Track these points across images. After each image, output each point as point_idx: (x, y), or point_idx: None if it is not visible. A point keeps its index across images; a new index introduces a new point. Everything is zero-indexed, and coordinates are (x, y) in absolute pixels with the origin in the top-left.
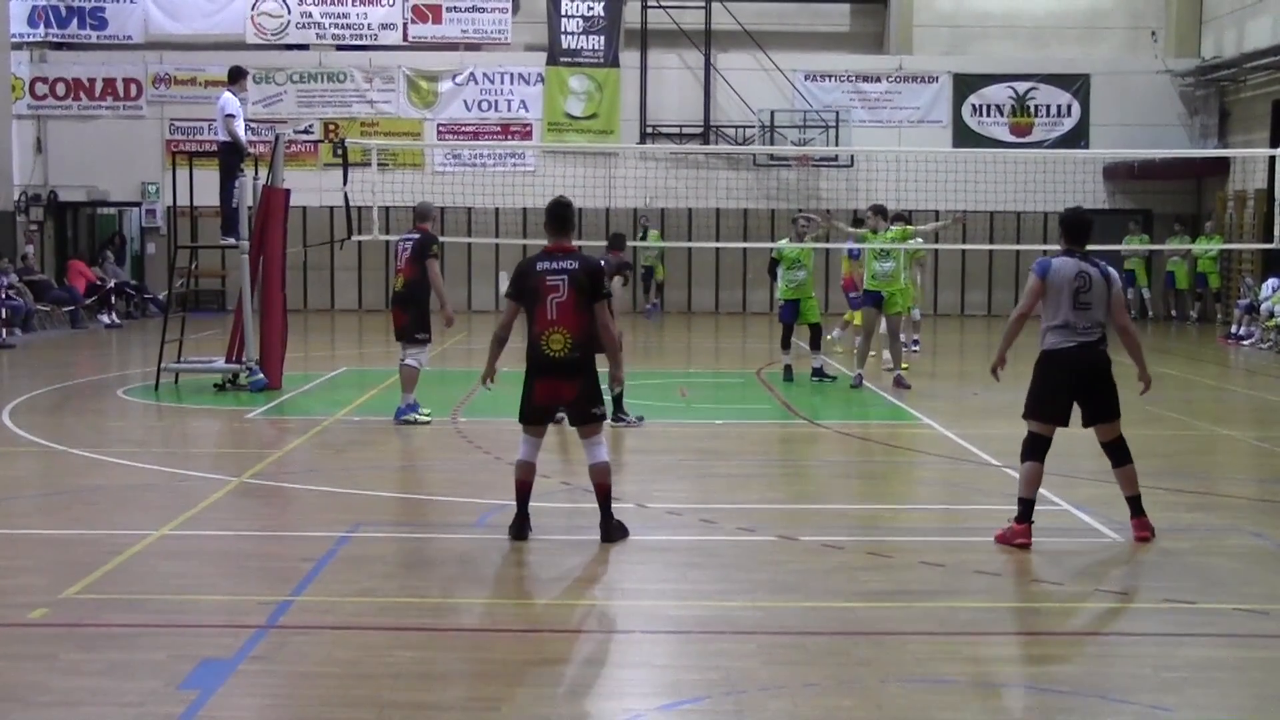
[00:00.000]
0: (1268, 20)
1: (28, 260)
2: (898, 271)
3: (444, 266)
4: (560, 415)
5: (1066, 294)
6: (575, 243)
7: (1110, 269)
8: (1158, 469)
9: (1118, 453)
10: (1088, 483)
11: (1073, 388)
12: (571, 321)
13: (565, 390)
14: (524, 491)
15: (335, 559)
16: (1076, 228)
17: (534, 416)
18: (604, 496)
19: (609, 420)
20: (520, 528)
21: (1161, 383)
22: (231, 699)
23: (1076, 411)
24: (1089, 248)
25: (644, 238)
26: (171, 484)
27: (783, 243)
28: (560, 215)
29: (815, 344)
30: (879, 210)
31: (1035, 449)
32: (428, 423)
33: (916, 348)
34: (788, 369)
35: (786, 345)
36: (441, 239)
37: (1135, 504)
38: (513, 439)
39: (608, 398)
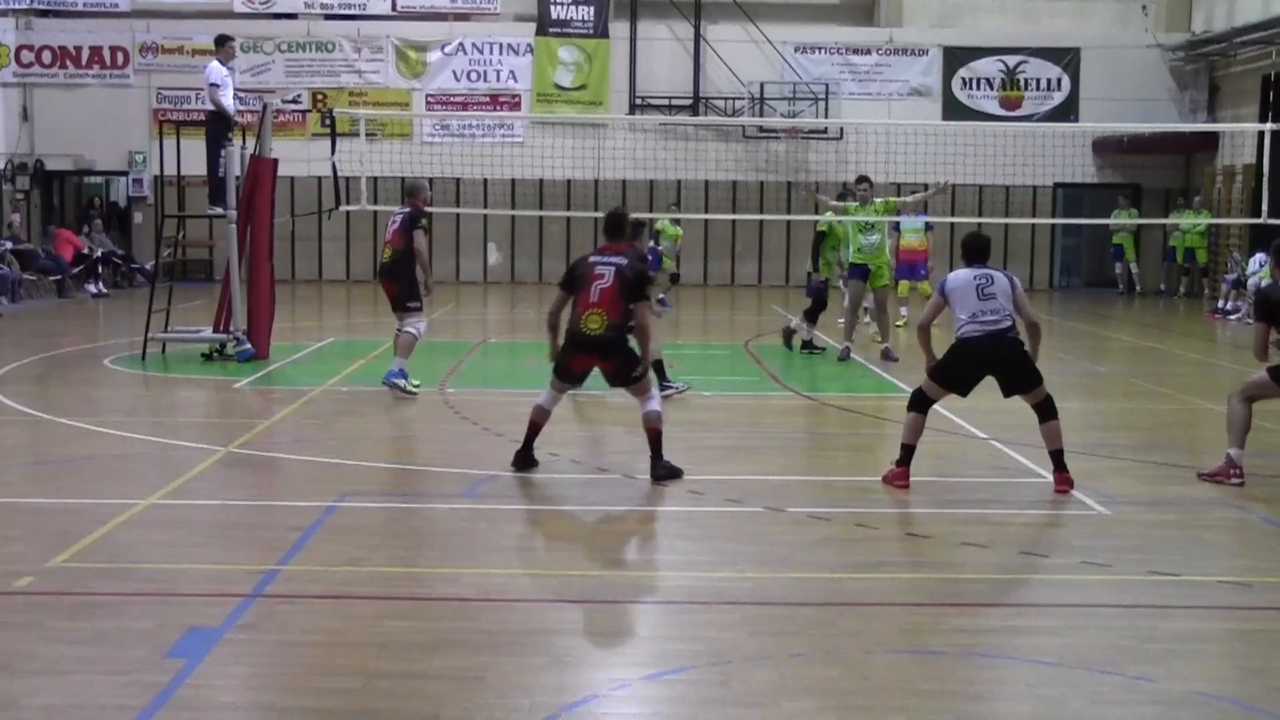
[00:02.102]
0: None
1: (14, 229)
2: (883, 244)
3: (432, 238)
4: None
5: (970, 292)
6: (565, 214)
7: (1013, 276)
8: (1144, 442)
9: (1042, 411)
10: (1072, 457)
11: (982, 368)
12: (610, 306)
13: (603, 365)
14: (534, 431)
15: (323, 528)
16: (973, 250)
17: (568, 378)
18: (653, 440)
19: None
20: (524, 461)
21: (1148, 357)
22: (219, 667)
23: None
24: (1080, 221)
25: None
26: (159, 453)
27: (828, 216)
28: (613, 223)
29: (814, 316)
30: (867, 180)
31: (922, 404)
32: (414, 394)
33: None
34: (790, 334)
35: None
36: (430, 210)
37: (1057, 458)
38: (500, 410)
39: None
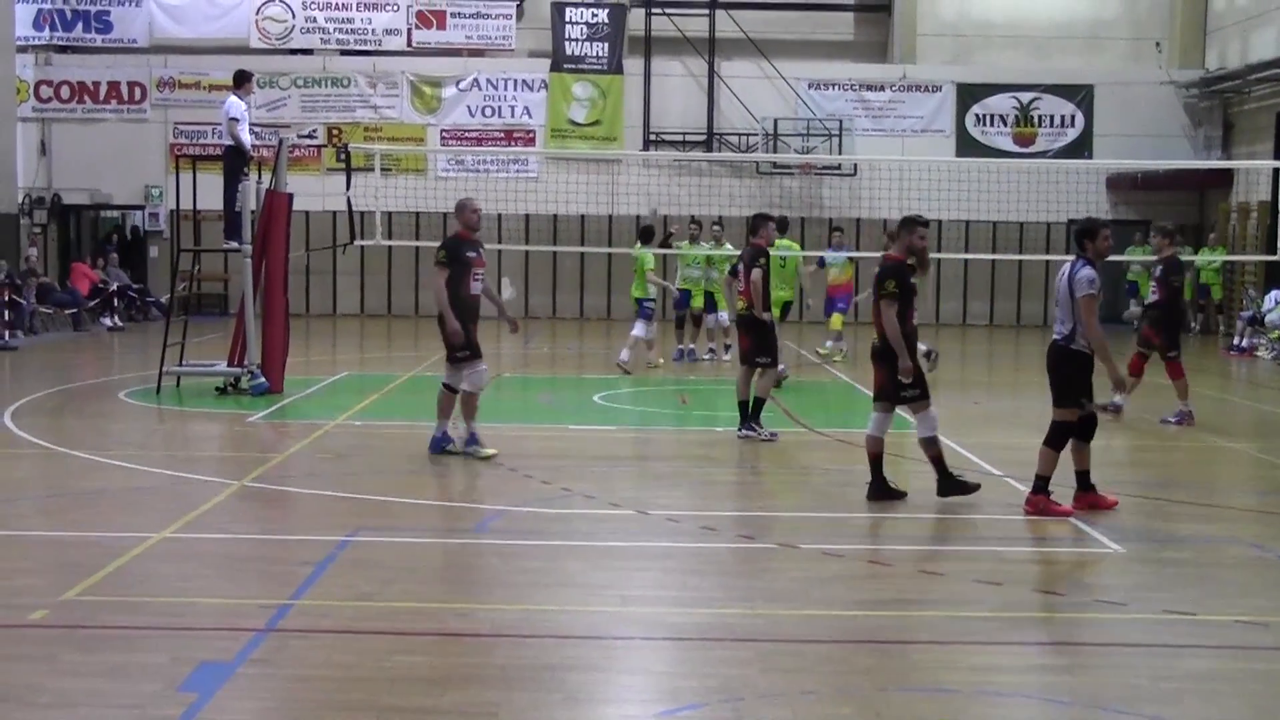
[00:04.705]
0: (1272, 32)
1: (30, 262)
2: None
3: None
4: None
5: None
6: (579, 249)
7: (1081, 272)
8: (1158, 479)
9: (1048, 431)
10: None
11: None
12: (875, 317)
13: (879, 374)
14: (874, 461)
15: (335, 563)
16: (1074, 234)
17: (875, 395)
18: (934, 462)
19: (739, 430)
20: (879, 492)
21: (1163, 394)
22: (230, 702)
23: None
24: (1107, 259)
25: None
26: (172, 487)
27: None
28: (896, 229)
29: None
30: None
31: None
32: (490, 456)
33: (708, 356)
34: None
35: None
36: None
37: (1037, 481)
38: (513, 445)
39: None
